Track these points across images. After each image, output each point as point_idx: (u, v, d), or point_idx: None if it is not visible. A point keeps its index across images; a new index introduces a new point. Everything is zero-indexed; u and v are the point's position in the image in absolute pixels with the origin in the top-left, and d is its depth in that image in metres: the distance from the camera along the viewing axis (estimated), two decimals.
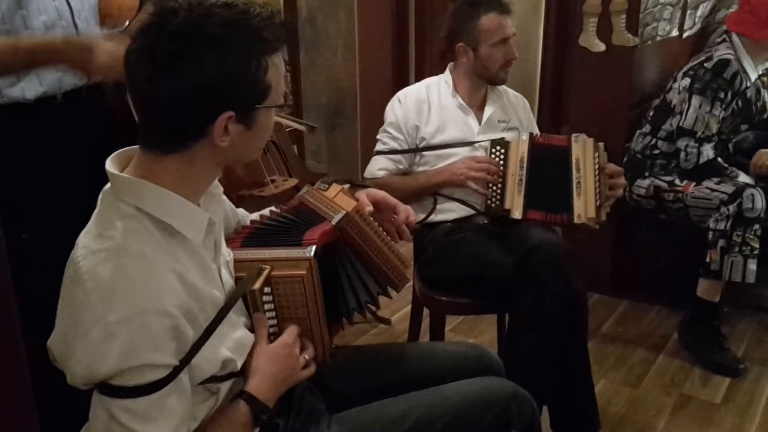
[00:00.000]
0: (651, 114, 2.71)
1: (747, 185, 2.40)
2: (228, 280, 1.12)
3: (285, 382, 1.12)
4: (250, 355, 1.09)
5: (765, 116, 2.70)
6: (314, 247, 1.14)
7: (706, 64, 2.52)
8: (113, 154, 1.05)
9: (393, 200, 1.38)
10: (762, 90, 2.64)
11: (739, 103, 2.55)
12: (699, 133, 2.49)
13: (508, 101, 2.20)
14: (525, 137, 2.08)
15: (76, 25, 1.60)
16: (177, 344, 0.95)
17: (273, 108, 1.04)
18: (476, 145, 2.09)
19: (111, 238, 0.95)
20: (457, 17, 2.08)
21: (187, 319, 0.96)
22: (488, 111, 2.13)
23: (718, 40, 2.65)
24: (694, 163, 2.51)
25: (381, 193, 1.37)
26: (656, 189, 2.62)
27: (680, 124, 2.53)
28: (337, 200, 1.26)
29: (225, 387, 1.07)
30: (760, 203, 2.32)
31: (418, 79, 3.43)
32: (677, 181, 2.58)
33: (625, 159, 2.77)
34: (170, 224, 0.99)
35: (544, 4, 3.62)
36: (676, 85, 2.61)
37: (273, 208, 1.33)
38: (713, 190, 2.46)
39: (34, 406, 1.11)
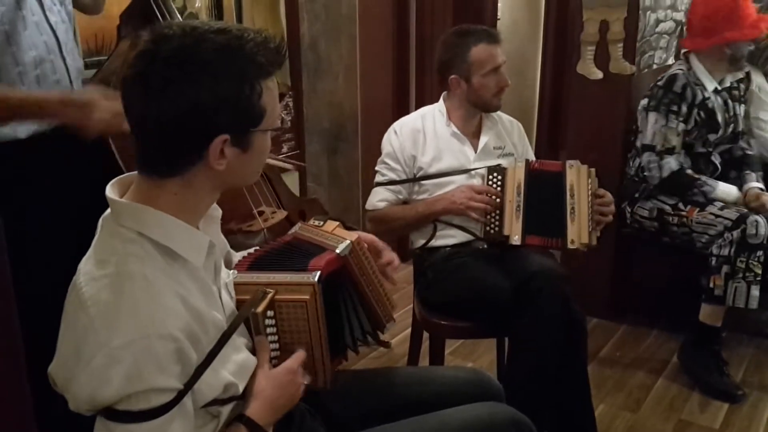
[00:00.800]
0: (633, 138, 2.76)
1: (751, 212, 2.41)
2: (228, 301, 1.12)
3: (283, 408, 1.12)
4: (252, 378, 1.09)
5: (740, 129, 2.72)
6: (319, 273, 1.15)
7: (659, 83, 2.61)
8: (113, 181, 1.06)
9: (381, 244, 1.40)
10: (731, 102, 2.67)
11: (702, 114, 2.58)
12: (658, 147, 2.55)
13: (502, 127, 2.22)
14: (521, 163, 2.11)
15: (64, 58, 1.59)
16: (182, 367, 0.96)
17: (269, 131, 1.05)
18: (473, 172, 2.11)
19: (113, 263, 0.96)
20: (448, 50, 2.10)
21: (191, 342, 0.97)
22: (483, 139, 2.16)
23: (677, 61, 2.74)
24: (658, 177, 2.56)
25: (369, 236, 1.38)
26: (659, 212, 2.64)
27: (642, 142, 2.60)
28: (337, 233, 1.28)
29: (226, 410, 1.07)
30: (763, 230, 2.33)
31: (418, 103, 3.47)
32: (681, 205, 2.59)
33: (623, 183, 2.79)
34: (172, 248, 1.00)
35: (542, 33, 3.68)
36: (639, 107, 2.68)
37: (253, 250, 1.34)
38: (717, 216, 2.46)
39: (32, 406, 1.10)
